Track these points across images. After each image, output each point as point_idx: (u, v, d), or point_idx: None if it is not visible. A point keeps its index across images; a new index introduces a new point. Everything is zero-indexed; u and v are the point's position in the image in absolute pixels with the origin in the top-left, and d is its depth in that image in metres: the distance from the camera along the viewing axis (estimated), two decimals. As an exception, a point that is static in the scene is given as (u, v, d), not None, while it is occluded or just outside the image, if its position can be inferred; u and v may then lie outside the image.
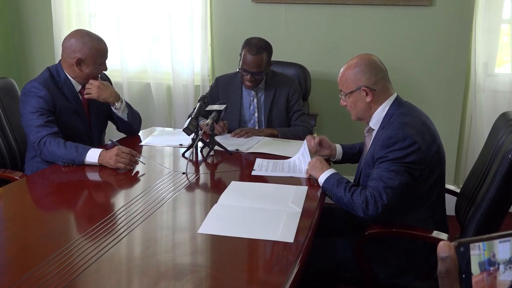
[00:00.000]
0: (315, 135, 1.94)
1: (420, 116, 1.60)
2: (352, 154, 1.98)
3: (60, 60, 2.06)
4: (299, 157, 1.90)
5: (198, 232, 1.33)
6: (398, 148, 1.49)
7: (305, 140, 1.90)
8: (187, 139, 2.03)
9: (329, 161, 1.99)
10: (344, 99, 1.67)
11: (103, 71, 2.09)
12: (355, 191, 1.52)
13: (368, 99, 1.61)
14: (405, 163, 1.49)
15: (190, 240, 1.32)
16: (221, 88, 2.47)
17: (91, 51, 1.98)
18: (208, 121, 1.95)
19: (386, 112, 1.61)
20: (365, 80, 1.60)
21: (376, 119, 1.64)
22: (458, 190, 1.85)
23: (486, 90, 2.80)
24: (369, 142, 1.70)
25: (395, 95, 1.64)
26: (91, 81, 2.03)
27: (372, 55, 1.66)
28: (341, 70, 1.66)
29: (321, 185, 1.63)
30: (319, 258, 1.61)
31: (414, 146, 1.49)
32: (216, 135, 2.07)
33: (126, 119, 2.17)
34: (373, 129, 1.67)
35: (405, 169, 1.49)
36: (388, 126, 1.57)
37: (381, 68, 1.63)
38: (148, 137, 2.27)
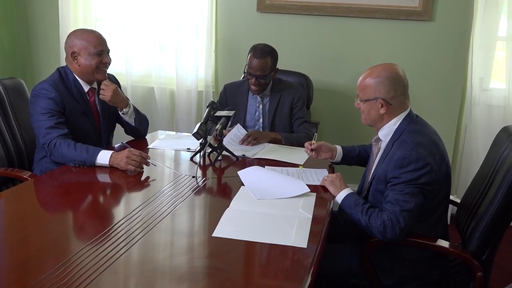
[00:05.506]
0: (314, 141, 1.96)
1: (430, 135, 1.61)
2: (351, 157, 2.01)
3: None
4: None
5: (212, 235, 1.34)
6: (411, 169, 1.50)
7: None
8: (194, 143, 2.06)
9: (332, 167, 2.04)
10: (358, 103, 1.67)
11: (106, 63, 2.03)
12: (372, 214, 1.53)
13: (382, 111, 1.62)
14: (418, 184, 1.51)
15: (205, 243, 1.33)
16: (229, 95, 2.51)
17: (82, 41, 1.98)
18: (218, 126, 1.98)
19: (398, 126, 1.63)
20: (384, 93, 1.60)
21: (386, 131, 1.66)
22: (452, 199, 1.84)
23: (481, 104, 2.88)
24: (376, 151, 1.74)
25: (408, 109, 1.65)
26: (107, 82, 2.03)
27: (398, 68, 1.64)
28: (363, 75, 1.65)
29: (338, 203, 1.66)
30: (326, 264, 1.62)
31: (427, 167, 1.51)
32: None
33: (133, 124, 2.19)
34: (381, 140, 1.70)
35: (419, 190, 1.51)
36: (400, 144, 1.58)
37: (403, 84, 1.62)
38: (156, 141, 2.29)
